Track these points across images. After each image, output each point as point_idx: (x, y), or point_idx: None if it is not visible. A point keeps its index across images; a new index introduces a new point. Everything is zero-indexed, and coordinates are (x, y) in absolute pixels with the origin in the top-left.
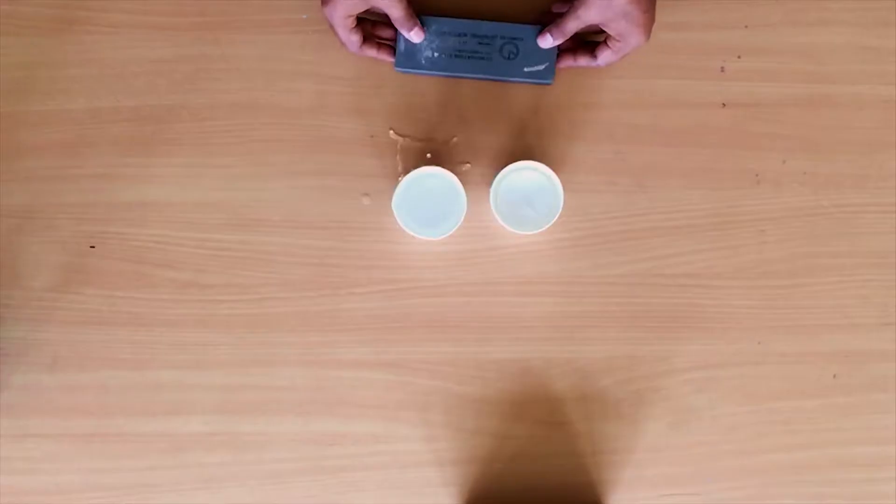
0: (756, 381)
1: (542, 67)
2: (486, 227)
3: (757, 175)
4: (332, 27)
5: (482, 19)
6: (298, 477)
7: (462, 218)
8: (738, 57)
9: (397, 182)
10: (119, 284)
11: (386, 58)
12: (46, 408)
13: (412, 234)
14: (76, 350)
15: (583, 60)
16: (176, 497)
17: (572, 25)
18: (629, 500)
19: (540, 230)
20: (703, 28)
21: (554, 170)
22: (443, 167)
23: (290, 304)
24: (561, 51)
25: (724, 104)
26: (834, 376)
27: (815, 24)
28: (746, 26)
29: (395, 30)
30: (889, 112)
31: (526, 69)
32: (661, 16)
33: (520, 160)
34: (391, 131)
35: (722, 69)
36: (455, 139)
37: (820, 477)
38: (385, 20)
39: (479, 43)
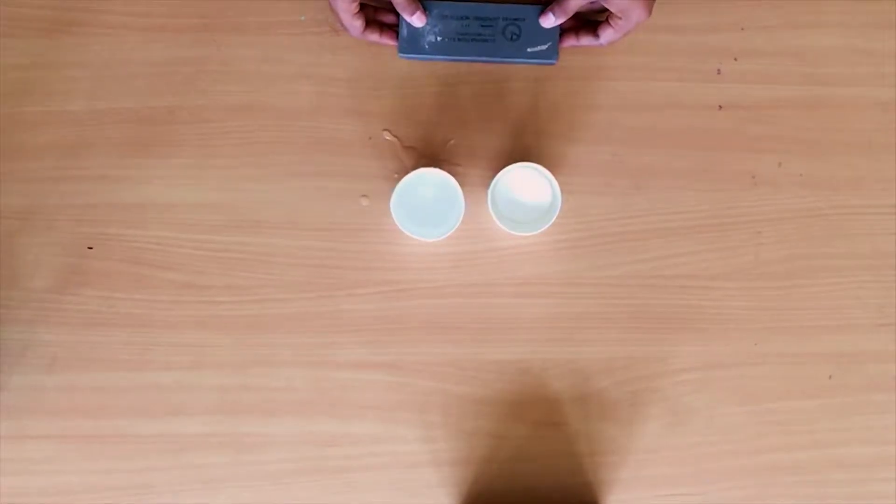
0: (753, 381)
1: (545, 47)
2: (484, 229)
3: (753, 177)
4: (334, 12)
5: (484, 1)
6: (297, 477)
7: (460, 219)
8: (735, 59)
9: (395, 183)
10: (118, 286)
11: (389, 42)
12: (45, 409)
13: (410, 235)
14: (75, 351)
15: (585, 39)
16: (175, 498)
17: (574, 3)
18: (627, 500)
19: (538, 231)
20: (700, 30)
21: (552, 171)
22: (440, 169)
23: (289, 305)
24: (563, 31)
25: (720, 106)
26: (830, 377)
27: (811, 26)
28: (742, 28)
29: (398, 15)
30: (885, 114)
31: (529, 49)
32: (657, 18)
33: (518, 161)
34: (385, 132)
35: (718, 71)
36: (452, 141)
37: (817, 477)
38: (387, 5)
39: (482, 25)
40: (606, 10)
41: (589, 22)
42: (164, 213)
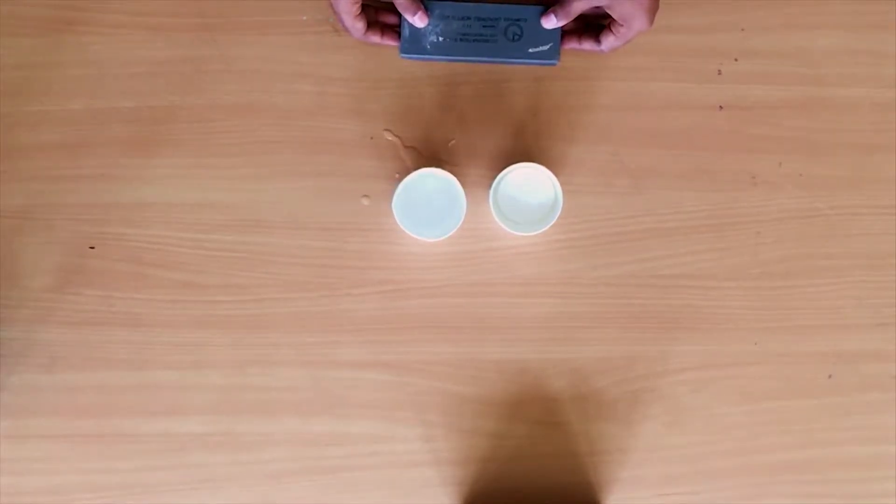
0: (752, 381)
1: (546, 48)
2: (484, 229)
3: (753, 177)
4: (336, 14)
5: (485, 1)
6: (297, 477)
7: (461, 219)
8: (735, 60)
9: (396, 183)
10: (117, 285)
11: (390, 43)
12: (45, 408)
13: (411, 235)
14: (74, 350)
15: (587, 45)
16: (174, 497)
17: (578, 6)
18: (626, 499)
19: (538, 231)
20: (700, 31)
21: (552, 171)
22: (442, 169)
23: (289, 304)
24: (565, 32)
25: (720, 106)
26: (829, 376)
27: (811, 27)
28: (743, 29)
29: (399, 15)
30: (884, 115)
31: (530, 50)
32: (658, 19)
33: (518, 161)
34: (386, 132)
35: (719, 72)
36: (453, 141)
37: (815, 477)
38: (388, 6)
39: (484, 25)
40: (609, 14)
41: (591, 25)
42: (164, 212)
